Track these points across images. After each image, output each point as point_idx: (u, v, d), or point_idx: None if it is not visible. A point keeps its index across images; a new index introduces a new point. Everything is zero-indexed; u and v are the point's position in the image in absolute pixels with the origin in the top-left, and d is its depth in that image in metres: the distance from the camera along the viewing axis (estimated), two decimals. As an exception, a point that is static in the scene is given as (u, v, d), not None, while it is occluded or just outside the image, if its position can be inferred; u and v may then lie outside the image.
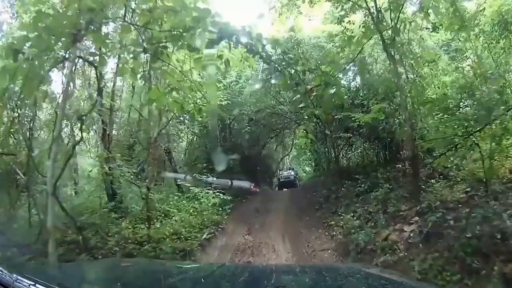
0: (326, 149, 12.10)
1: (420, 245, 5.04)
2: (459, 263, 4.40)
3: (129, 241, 6.54)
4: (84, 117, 5.00)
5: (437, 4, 7.86)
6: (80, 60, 5.77)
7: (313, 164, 19.37)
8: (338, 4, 7.82)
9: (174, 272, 2.13)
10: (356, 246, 5.64)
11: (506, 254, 3.72)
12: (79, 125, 5.43)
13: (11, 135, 7.07)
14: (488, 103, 5.94)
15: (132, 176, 8.31)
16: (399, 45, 6.69)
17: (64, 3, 4.95)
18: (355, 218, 7.01)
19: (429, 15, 7.56)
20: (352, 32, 7.61)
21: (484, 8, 9.70)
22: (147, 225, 7.12)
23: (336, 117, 9.12)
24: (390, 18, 6.98)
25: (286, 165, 24.65)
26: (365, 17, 7.83)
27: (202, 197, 9.65)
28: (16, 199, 7.04)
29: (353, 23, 7.97)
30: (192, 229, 7.64)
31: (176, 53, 5.79)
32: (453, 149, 5.71)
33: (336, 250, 6.31)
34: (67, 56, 4.71)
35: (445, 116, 6.56)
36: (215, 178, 11.16)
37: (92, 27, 4.46)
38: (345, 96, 10.15)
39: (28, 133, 7.11)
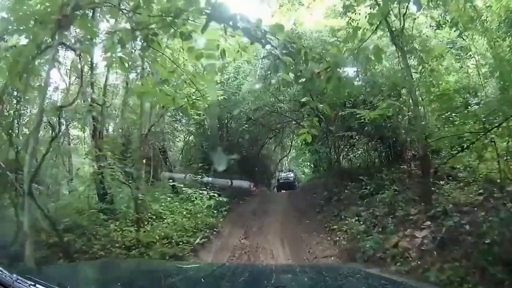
0: (328, 148, 11.60)
1: (435, 252, 4.61)
2: (480, 273, 4.06)
3: (117, 245, 6.23)
4: (62, 109, 4.49)
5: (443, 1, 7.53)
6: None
7: (312, 165, 18.97)
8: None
9: (174, 272, 2.13)
10: (363, 253, 5.13)
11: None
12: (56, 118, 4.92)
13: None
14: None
15: (122, 175, 7.81)
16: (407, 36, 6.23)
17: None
18: (360, 222, 6.54)
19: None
20: (358, 23, 7.14)
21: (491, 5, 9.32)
22: (136, 228, 6.69)
23: (340, 113, 8.66)
24: (398, 11, 6.62)
25: (284, 167, 24.27)
26: (370, 8, 7.42)
27: (196, 198, 9.14)
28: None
29: (359, 13, 7.51)
30: (184, 232, 7.20)
31: (169, 45, 5.42)
32: (469, 146, 5.24)
33: (340, 257, 5.80)
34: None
35: (455, 113, 6.15)
36: (210, 179, 10.69)
37: (78, 12, 4.06)
38: (347, 93, 9.76)
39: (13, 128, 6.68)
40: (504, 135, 5.23)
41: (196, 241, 6.91)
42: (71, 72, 10.48)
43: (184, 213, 8.41)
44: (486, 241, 4.19)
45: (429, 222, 5.26)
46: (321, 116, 5.09)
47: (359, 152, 12.26)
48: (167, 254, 6.00)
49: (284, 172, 21.17)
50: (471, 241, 4.51)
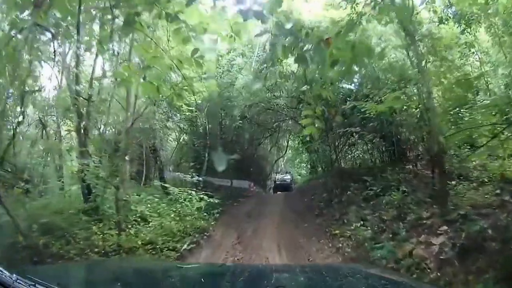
0: (328, 146, 10.97)
1: (456, 262, 3.99)
2: (509, 284, 3.46)
3: (96, 249, 5.78)
4: (25, 94, 3.84)
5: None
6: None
7: (309, 166, 18.38)
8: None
9: (174, 272, 2.12)
10: (372, 263, 4.48)
11: None
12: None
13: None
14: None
15: (106, 174, 7.12)
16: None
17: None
18: (366, 227, 5.88)
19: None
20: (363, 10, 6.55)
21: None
22: (117, 232, 6.06)
23: (344, 106, 8.06)
24: None
25: (280, 168, 23.67)
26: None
27: (185, 200, 8.45)
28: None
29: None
30: (171, 237, 6.58)
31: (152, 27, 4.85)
32: (491, 140, 4.66)
33: (344, 266, 5.15)
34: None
35: (471, 105, 5.59)
36: (201, 178, 10.03)
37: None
38: (350, 88, 9.21)
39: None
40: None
41: (183, 247, 6.26)
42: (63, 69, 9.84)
43: (172, 215, 7.72)
44: (513, 247, 3.71)
45: (445, 227, 4.66)
46: (324, 107, 4.49)
47: (359, 152, 11.69)
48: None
49: (280, 174, 20.58)
50: (496, 248, 3.99)
